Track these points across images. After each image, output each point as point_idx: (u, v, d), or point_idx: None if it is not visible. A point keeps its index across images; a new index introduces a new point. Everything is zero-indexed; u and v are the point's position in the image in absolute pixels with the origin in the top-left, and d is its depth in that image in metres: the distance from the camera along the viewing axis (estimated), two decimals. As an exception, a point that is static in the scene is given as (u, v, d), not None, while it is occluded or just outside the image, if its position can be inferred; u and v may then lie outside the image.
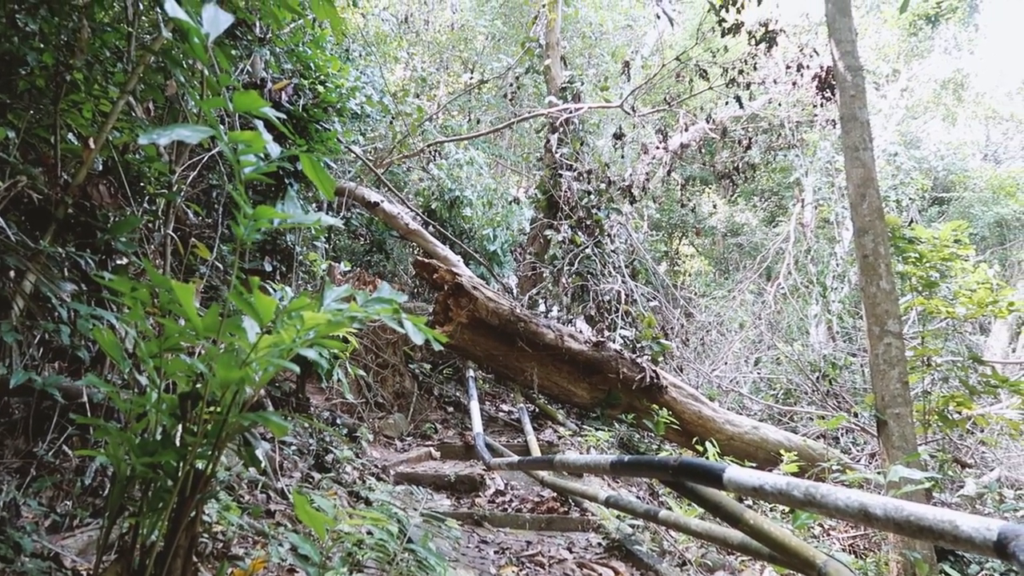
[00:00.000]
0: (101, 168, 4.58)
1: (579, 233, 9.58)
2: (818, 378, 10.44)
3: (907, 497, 5.35)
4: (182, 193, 6.25)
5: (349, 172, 12.93)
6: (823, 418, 8.86)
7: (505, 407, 8.24)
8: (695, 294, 22.10)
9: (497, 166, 14.68)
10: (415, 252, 13.56)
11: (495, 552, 4.57)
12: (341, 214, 13.42)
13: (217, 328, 2.12)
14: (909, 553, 5.41)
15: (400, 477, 5.87)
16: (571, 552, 4.73)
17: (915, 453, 5.71)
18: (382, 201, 12.06)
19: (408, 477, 5.89)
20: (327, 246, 12.48)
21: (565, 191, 9.65)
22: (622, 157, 10.45)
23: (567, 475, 6.31)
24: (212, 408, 2.26)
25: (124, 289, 2.15)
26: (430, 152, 12.34)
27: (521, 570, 4.24)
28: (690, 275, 27.05)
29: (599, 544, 4.90)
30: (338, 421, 6.03)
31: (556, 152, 10.04)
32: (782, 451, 8.44)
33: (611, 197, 9.63)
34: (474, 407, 6.64)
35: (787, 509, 6.65)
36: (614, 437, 7.63)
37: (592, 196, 9.84)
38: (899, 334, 6.13)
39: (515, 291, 11.08)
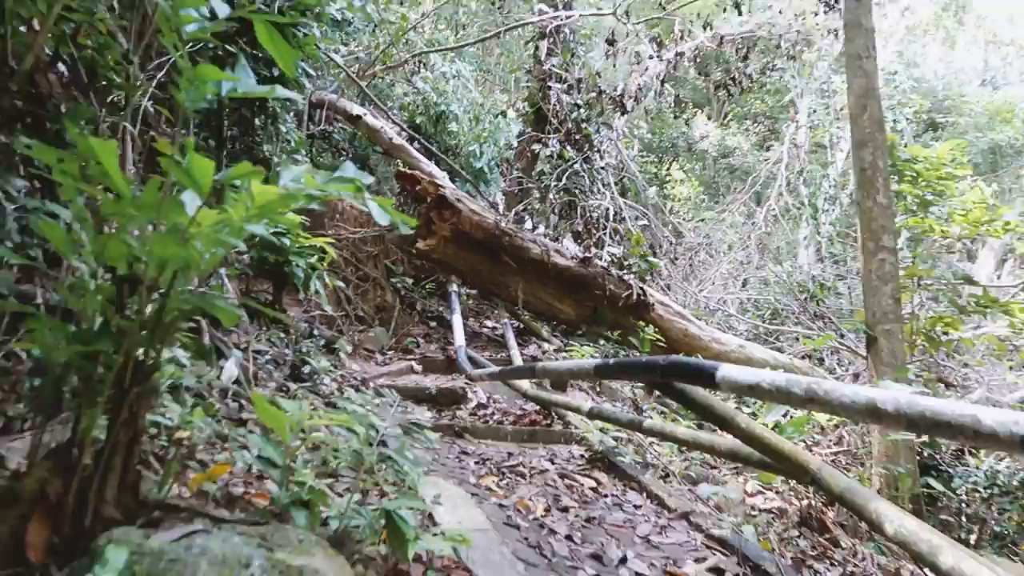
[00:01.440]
0: (51, 56, 4.25)
1: (568, 148, 9.27)
2: (806, 299, 10.35)
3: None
4: (147, 94, 5.90)
5: (331, 84, 12.43)
6: (810, 338, 8.80)
7: (489, 323, 8.10)
8: (684, 219, 21.91)
9: (485, 81, 14.18)
10: (403, 167, 13.19)
11: (475, 463, 4.47)
12: (322, 128, 13.00)
13: (156, 204, 1.89)
14: (893, 467, 5.39)
15: (381, 389, 5.75)
16: (553, 463, 4.64)
17: (904, 369, 5.63)
18: (365, 114, 11.63)
19: (389, 389, 5.76)
20: (308, 160, 12.11)
21: (554, 104, 9.29)
22: (614, 67, 10.02)
23: (550, 388, 6.22)
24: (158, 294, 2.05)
25: (49, 160, 1.90)
26: (415, 63, 11.84)
27: (502, 480, 4.14)
28: (680, 200, 26.77)
29: (581, 456, 4.81)
30: (315, 332, 5.86)
31: (545, 63, 9.63)
32: (768, 370, 8.40)
33: (601, 111, 9.28)
34: (456, 320, 6.49)
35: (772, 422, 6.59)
36: (599, 353, 7.52)
37: (582, 110, 9.49)
38: (893, 250, 5.97)
39: (501, 208, 10.81)
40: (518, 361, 6.20)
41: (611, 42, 9.13)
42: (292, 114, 11.33)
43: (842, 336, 10.31)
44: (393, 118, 12.43)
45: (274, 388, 4.75)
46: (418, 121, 12.80)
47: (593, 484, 4.20)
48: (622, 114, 9.22)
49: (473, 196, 12.13)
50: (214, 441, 3.60)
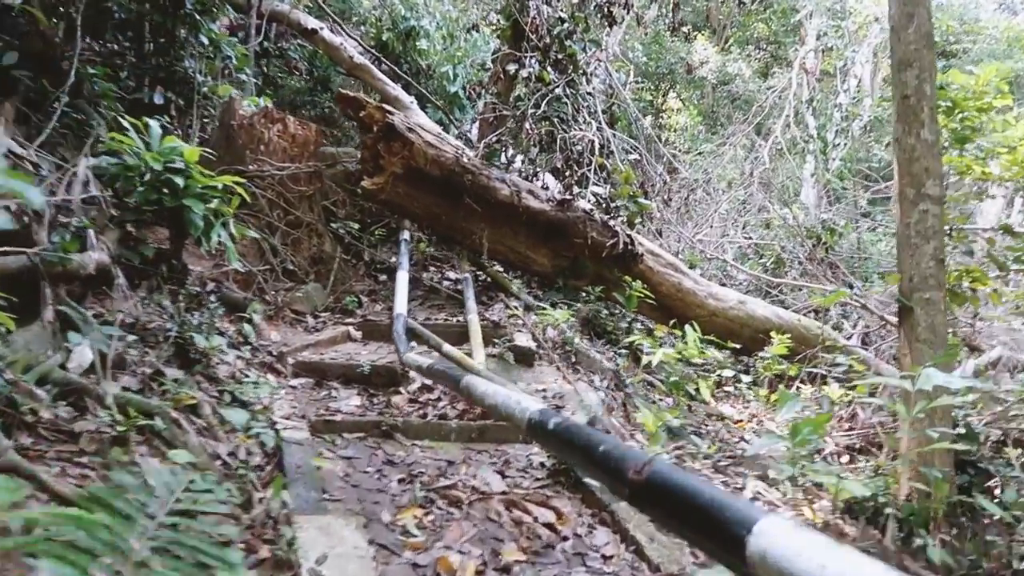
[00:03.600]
0: None
1: (548, 69, 7.96)
2: (813, 245, 9.25)
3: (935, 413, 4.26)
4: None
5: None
6: (820, 292, 7.73)
7: (452, 275, 6.99)
8: (681, 151, 20.54)
9: (460, -7, 12.68)
10: (367, 92, 11.83)
11: (400, 480, 3.42)
12: (277, 45, 11.56)
13: None
14: (927, 470, 4.37)
15: (301, 367, 4.67)
16: (503, 477, 3.61)
17: (951, 350, 4.57)
18: (322, 28, 10.23)
19: (311, 367, 4.68)
20: (258, 81, 10.74)
21: (533, 16, 7.93)
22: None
23: (511, 360, 5.18)
24: None
25: None
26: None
27: (428, 513, 3.11)
28: (676, 130, 25.29)
29: (542, 465, 3.78)
30: (213, 296, 4.72)
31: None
32: (771, 329, 7.37)
33: (588, 26, 7.95)
34: (401, 279, 5.36)
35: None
36: (577, 315, 6.44)
37: (567, 24, 8.13)
38: (939, 199, 4.80)
39: (476, 139, 9.56)
40: (476, 329, 5.10)
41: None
42: (221, 25, 9.91)
43: (852, 288, 9.26)
44: (352, 35, 11.00)
45: (144, 376, 3.65)
46: (385, 38, 11.38)
47: (551, 517, 3.16)
48: (611, 26, 7.88)
49: (446, 126, 10.84)
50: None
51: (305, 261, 5.81)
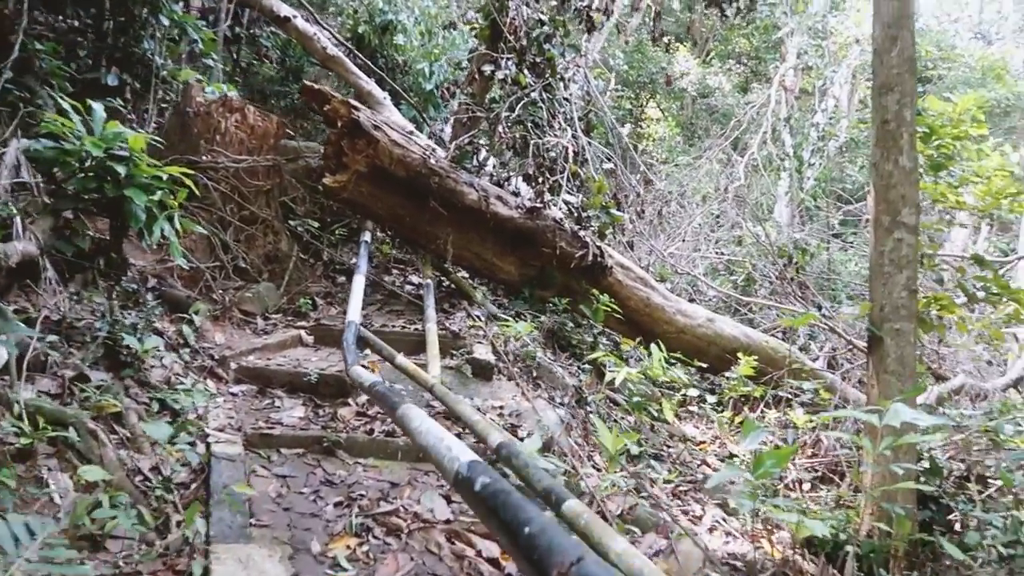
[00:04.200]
0: None
1: (525, 72, 7.75)
2: (784, 265, 9.15)
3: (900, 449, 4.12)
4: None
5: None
6: (789, 313, 7.62)
7: (416, 279, 6.75)
8: (658, 160, 20.45)
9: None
10: (340, 85, 11.54)
11: (337, 503, 3.19)
12: (250, 31, 11.23)
13: None
14: (889, 506, 4.24)
15: (244, 373, 4.41)
16: (449, 503, 3.39)
17: (917, 384, 4.44)
18: (295, 17, 9.91)
19: (255, 373, 4.42)
20: (226, 68, 10.40)
21: (512, 17, 7.72)
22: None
23: (470, 374, 4.96)
24: None
25: None
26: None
27: (363, 543, 2.88)
28: (655, 139, 25.22)
29: (492, 491, 3.56)
30: (153, 293, 4.45)
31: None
32: (739, 349, 7.24)
33: (567, 31, 7.76)
34: (357, 284, 5.10)
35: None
36: (541, 327, 6.25)
37: (546, 27, 7.94)
38: (914, 228, 4.68)
39: (448, 140, 9.33)
40: (433, 339, 4.86)
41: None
42: (191, 8, 9.58)
43: (820, 309, 9.18)
44: (326, 25, 10.71)
45: (65, 380, 3.37)
46: (361, 31, 11.11)
47: (495, 551, 2.95)
48: (589, 31, 7.69)
49: (420, 124, 10.59)
50: None
51: (259, 259, 5.54)
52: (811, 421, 5.92)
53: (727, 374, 6.84)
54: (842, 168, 13.97)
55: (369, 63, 10.88)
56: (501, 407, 4.59)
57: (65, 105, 4.27)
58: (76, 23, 7.08)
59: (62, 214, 4.22)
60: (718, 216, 11.00)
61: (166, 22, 6.56)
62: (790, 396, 6.64)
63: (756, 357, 6.85)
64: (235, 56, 11.18)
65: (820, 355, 8.61)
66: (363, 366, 3.96)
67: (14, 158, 3.95)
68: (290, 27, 9.96)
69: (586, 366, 6.17)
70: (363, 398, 4.37)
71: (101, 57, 6.58)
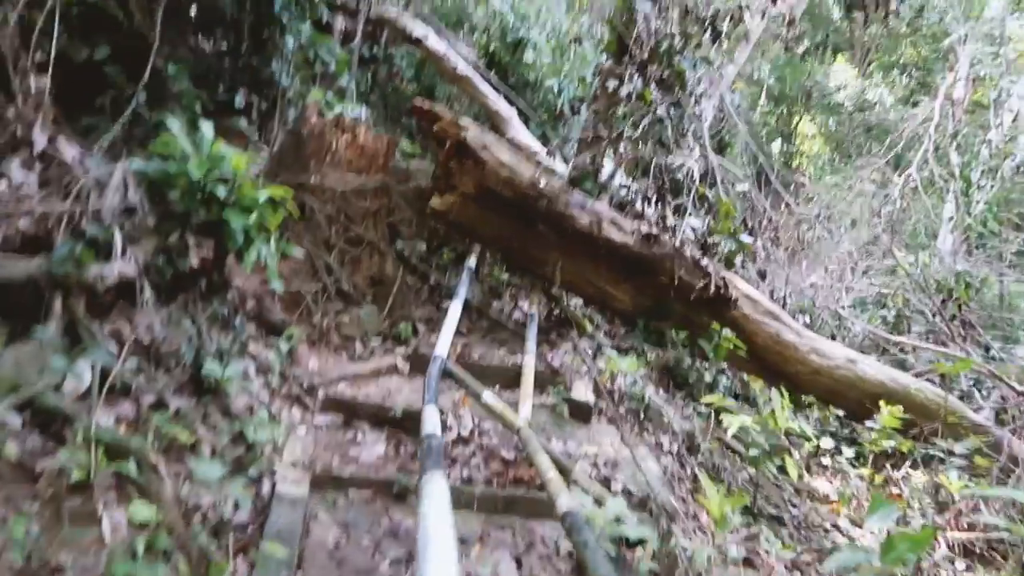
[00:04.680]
0: None
1: (651, 87, 7.32)
2: (943, 300, 8.14)
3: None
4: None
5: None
6: (948, 360, 6.73)
7: (526, 305, 6.48)
8: (810, 177, 19.17)
9: (574, 4, 12.21)
10: (470, 103, 11.56)
11: (394, 562, 2.95)
12: (385, 50, 11.45)
13: None
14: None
15: (331, 402, 4.30)
16: (519, 567, 3.07)
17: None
18: (427, 36, 10.00)
19: (342, 403, 4.30)
20: (360, 87, 10.63)
21: (639, 29, 7.32)
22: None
23: (568, 415, 4.62)
24: None
25: None
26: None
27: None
28: (807, 156, 23.76)
29: (569, 555, 3.21)
30: (249, 316, 4.42)
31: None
32: (883, 395, 6.46)
33: (700, 42, 7.27)
34: (453, 312, 4.87)
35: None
36: (655, 362, 5.81)
37: (676, 39, 7.47)
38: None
39: (572, 159, 9.05)
40: (529, 376, 4.56)
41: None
42: (334, 31, 9.85)
43: (988, 352, 8.09)
44: (460, 43, 10.74)
45: (142, 406, 3.34)
46: (492, 48, 11.07)
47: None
48: (714, 41, 7.15)
49: (549, 141, 10.39)
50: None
51: (363, 282, 5.47)
52: (968, 486, 5.11)
53: (869, 423, 6.09)
54: (1022, 191, 12.42)
55: (500, 81, 10.82)
56: (596, 454, 4.21)
57: (175, 127, 4.33)
58: (216, 46, 7.41)
59: (168, 235, 4.27)
60: (869, 243, 10.01)
61: (292, 43, 6.70)
62: (944, 454, 5.80)
63: (904, 405, 6.07)
64: (371, 75, 11.45)
65: (986, 406, 7.56)
66: (440, 410, 3.71)
67: (121, 178, 4.03)
68: (422, 47, 10.06)
69: (703, 408, 5.66)
70: (448, 437, 4.14)
71: (234, 79, 6.82)
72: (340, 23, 10.55)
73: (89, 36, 5.87)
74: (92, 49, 5.73)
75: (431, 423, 3.11)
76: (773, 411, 5.02)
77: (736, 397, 7.04)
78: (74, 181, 3.87)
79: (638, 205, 7.00)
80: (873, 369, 6.75)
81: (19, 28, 4.39)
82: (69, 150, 4.09)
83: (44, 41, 4.58)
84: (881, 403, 6.04)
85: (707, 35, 6.92)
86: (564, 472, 3.62)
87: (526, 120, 10.46)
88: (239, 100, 6.40)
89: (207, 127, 4.47)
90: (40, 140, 3.81)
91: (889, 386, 6.60)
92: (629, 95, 7.36)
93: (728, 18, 6.87)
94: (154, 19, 5.64)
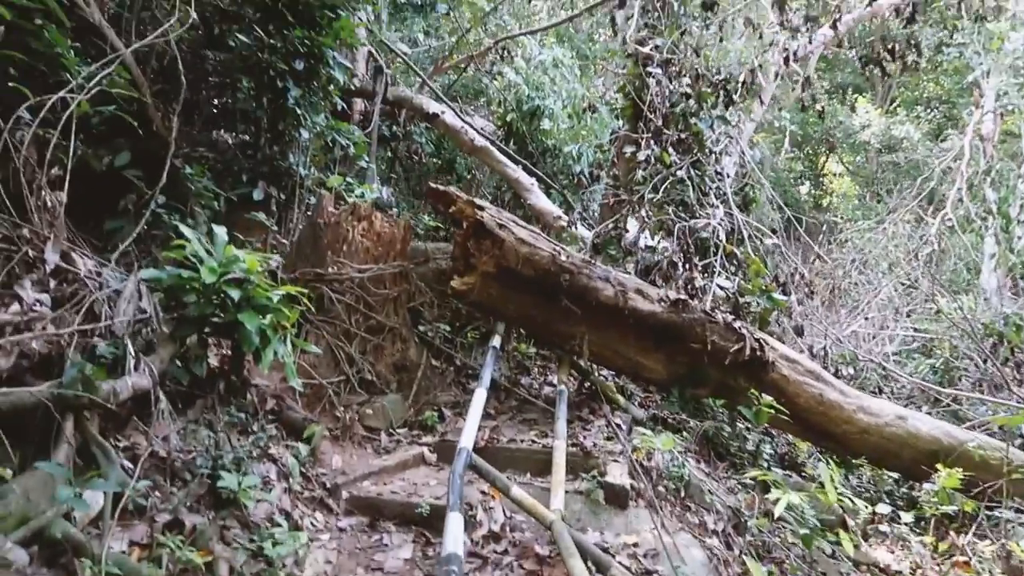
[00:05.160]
0: None
1: (669, 150, 7.26)
2: (994, 345, 7.78)
3: None
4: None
5: (419, 77, 11.00)
6: (1005, 410, 6.37)
7: (554, 379, 6.31)
8: (842, 218, 18.84)
9: (588, 70, 12.30)
10: (489, 173, 11.63)
11: None
12: (404, 127, 11.62)
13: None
14: None
15: (356, 502, 4.14)
16: None
17: None
18: (443, 112, 10.13)
19: (367, 503, 4.14)
20: (381, 165, 10.75)
21: (653, 94, 7.31)
22: (720, 40, 7.85)
23: (604, 501, 4.40)
24: None
25: None
26: (499, 52, 10.19)
27: None
28: (837, 195, 23.46)
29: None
30: (269, 417, 4.32)
31: (646, 41, 7.66)
32: (939, 452, 6.13)
33: (715, 101, 7.20)
34: (477, 400, 4.71)
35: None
36: (692, 433, 5.57)
37: (691, 101, 7.44)
38: None
39: (598, 222, 8.98)
40: (560, 459, 4.38)
41: (709, 6, 7.00)
42: (354, 113, 10.01)
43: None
44: (478, 115, 10.85)
45: (154, 527, 3.23)
46: (509, 119, 11.17)
47: None
48: (727, 105, 7.09)
49: (570, 208, 10.34)
50: None
51: (386, 370, 5.36)
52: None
53: (927, 485, 5.75)
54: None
55: (519, 150, 10.88)
56: (635, 544, 3.98)
57: (188, 232, 4.33)
58: (234, 139, 7.53)
59: (183, 341, 4.23)
60: (908, 287, 9.69)
61: (306, 135, 6.77)
62: (1012, 517, 5.42)
63: (962, 463, 5.73)
64: (391, 153, 11.60)
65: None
66: (469, 504, 3.54)
67: (134, 288, 4.02)
68: (439, 123, 10.19)
69: (748, 480, 5.38)
70: (479, 532, 3.96)
71: (253, 172, 6.89)
72: (359, 104, 10.76)
73: (109, 142, 5.99)
74: (112, 156, 5.84)
75: (453, 538, 2.94)
76: (822, 483, 4.74)
77: (783, 461, 6.73)
78: (88, 295, 3.85)
79: (665, 268, 6.87)
80: (926, 425, 6.41)
81: (35, 144, 4.46)
82: (83, 263, 4.10)
83: (61, 152, 4.65)
84: (937, 462, 5.72)
85: (721, 98, 6.84)
86: (601, 569, 3.41)
87: (547, 187, 10.46)
88: (258, 193, 6.45)
89: (221, 230, 4.47)
90: (52, 258, 3.82)
91: (944, 443, 6.25)
92: (647, 159, 7.31)
93: (740, 83, 6.80)
94: (171, 123, 5.73)
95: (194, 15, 5.65)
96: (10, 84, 4.33)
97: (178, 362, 4.10)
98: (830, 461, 5.36)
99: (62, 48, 4.66)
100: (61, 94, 4.38)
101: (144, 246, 5.71)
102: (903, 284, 10.10)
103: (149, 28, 5.98)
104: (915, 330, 8.95)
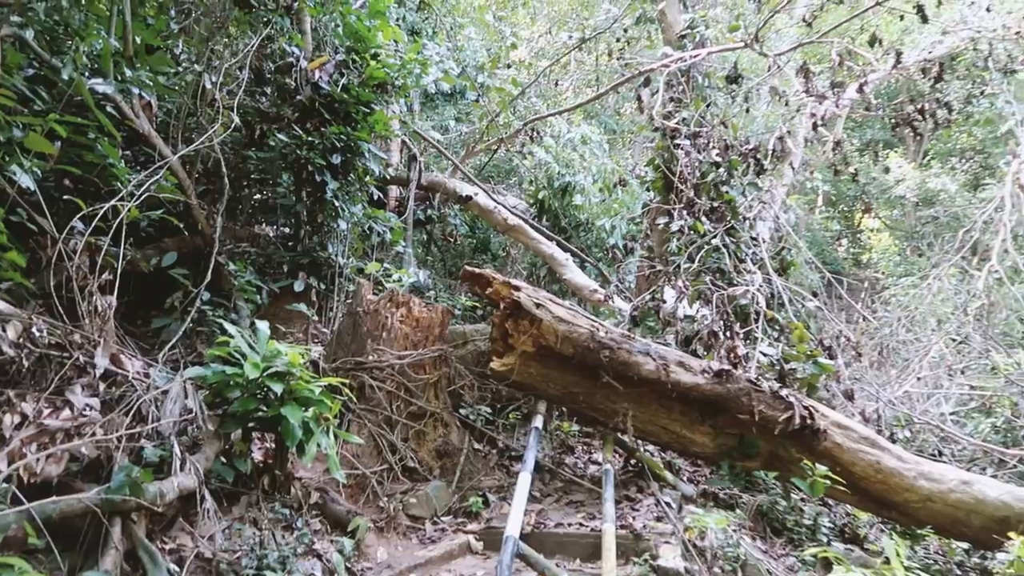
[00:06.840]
0: None
1: (702, 219, 7.28)
2: (1057, 400, 7.46)
3: None
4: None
5: (451, 162, 11.29)
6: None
7: (599, 457, 6.20)
8: (884, 273, 18.50)
9: (617, 143, 12.50)
10: (523, 250, 11.74)
11: None
12: (439, 211, 11.85)
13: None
14: None
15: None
16: None
17: None
18: (476, 195, 10.35)
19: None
20: (418, 248, 10.94)
21: (683, 165, 7.38)
22: (747, 111, 7.95)
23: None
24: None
25: None
26: (528, 133, 10.44)
27: None
28: (876, 251, 23.10)
29: None
30: (307, 514, 4.29)
31: (673, 114, 7.79)
32: (1010, 517, 5.81)
33: (745, 169, 7.24)
34: (522, 485, 4.62)
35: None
36: (744, 512, 5.38)
37: (721, 170, 7.48)
38: None
39: (633, 297, 8.97)
40: (610, 542, 4.26)
41: (733, 79, 7.11)
42: (390, 199, 10.26)
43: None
44: (510, 194, 11.04)
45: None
46: (541, 196, 11.34)
47: None
48: (758, 173, 7.12)
49: (606, 280, 10.37)
50: None
51: (429, 456, 5.33)
52: None
53: (1001, 554, 5.44)
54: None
55: (552, 226, 11.00)
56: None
57: (231, 328, 4.43)
58: (275, 233, 7.76)
59: (227, 437, 4.27)
60: (959, 343, 9.40)
61: (344, 225, 6.95)
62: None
63: (1033, 527, 5.42)
64: (427, 235, 11.82)
65: None
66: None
67: (180, 388, 4.10)
68: (472, 205, 10.39)
69: (808, 557, 5.15)
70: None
71: (293, 263, 7.08)
72: (394, 191, 11.05)
73: (156, 244, 6.23)
74: (160, 257, 6.05)
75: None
76: (887, 558, 4.52)
77: (842, 534, 6.44)
78: (136, 397, 3.93)
79: (706, 337, 6.79)
80: (993, 490, 6.10)
81: (87, 251, 4.64)
82: (132, 365, 4.20)
83: (111, 256, 4.83)
84: (1009, 529, 5.42)
85: (752, 167, 6.88)
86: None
87: (582, 262, 10.52)
88: (299, 284, 6.61)
89: (263, 325, 4.56)
90: (102, 362, 3.92)
91: (1016, 508, 5.92)
92: (681, 228, 7.33)
93: (770, 151, 6.84)
94: (215, 222, 5.93)
95: (236, 119, 5.92)
96: (65, 196, 4.56)
97: (223, 459, 4.12)
98: (893, 533, 5.14)
99: (113, 159, 4.90)
100: (112, 203, 4.59)
101: (190, 341, 5.85)
102: (953, 340, 9.80)
103: (195, 133, 6.28)
104: (971, 388, 8.63)
